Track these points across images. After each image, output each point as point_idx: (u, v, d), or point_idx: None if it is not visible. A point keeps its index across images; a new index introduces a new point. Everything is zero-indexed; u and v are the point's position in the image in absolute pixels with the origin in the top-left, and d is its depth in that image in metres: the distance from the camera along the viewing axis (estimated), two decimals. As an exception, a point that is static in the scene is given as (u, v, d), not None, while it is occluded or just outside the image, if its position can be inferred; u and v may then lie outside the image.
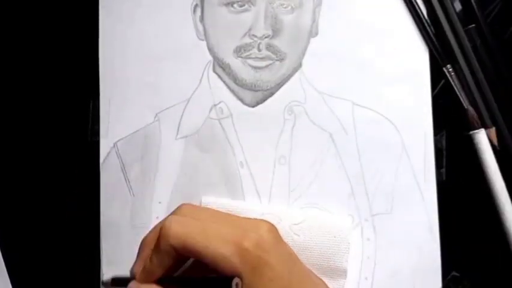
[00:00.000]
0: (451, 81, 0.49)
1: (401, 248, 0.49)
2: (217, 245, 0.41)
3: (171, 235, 0.42)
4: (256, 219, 0.46)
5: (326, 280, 0.47)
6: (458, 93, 0.48)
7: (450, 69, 0.49)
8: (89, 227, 0.50)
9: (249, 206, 0.49)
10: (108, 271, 0.49)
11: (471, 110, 0.48)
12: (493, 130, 0.48)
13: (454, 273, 0.49)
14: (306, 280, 0.44)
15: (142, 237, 0.49)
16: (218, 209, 0.47)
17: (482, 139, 0.48)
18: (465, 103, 0.48)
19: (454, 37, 0.49)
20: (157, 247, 0.43)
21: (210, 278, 0.42)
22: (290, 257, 0.44)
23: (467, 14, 0.49)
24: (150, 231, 0.45)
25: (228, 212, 0.47)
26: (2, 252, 0.50)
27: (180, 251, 0.42)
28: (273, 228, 0.44)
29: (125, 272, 0.49)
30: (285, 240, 0.46)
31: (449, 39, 0.49)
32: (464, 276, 0.49)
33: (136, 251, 0.49)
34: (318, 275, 0.47)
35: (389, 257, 0.49)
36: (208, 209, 0.48)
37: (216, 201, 0.49)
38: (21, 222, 0.50)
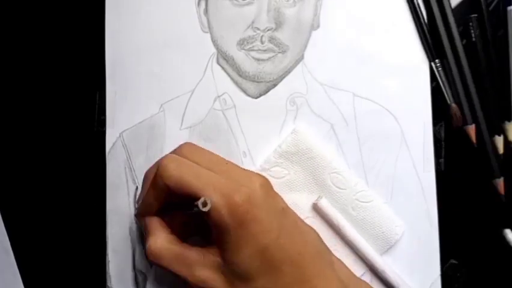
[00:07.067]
0: (437, 76, 0.49)
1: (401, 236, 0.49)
2: (208, 192, 0.41)
3: (165, 175, 0.43)
4: (252, 171, 0.46)
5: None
6: (443, 88, 0.49)
7: (438, 64, 0.49)
8: (95, 216, 0.50)
9: (327, 157, 0.49)
10: (113, 258, 0.50)
11: (454, 107, 0.49)
12: (472, 127, 0.49)
13: (452, 261, 0.49)
14: (296, 233, 0.45)
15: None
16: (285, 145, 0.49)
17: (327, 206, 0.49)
18: (449, 99, 0.49)
19: (446, 32, 0.49)
20: (154, 183, 0.44)
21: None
22: (281, 212, 0.45)
23: (469, 6, 0.50)
24: (153, 165, 0.46)
25: (229, 161, 0.47)
26: (9, 240, 0.50)
27: (174, 190, 0.43)
28: (265, 183, 0.44)
29: (129, 260, 0.50)
30: (339, 207, 0.48)
31: (440, 34, 0.49)
32: (462, 264, 0.49)
33: (141, 241, 0.50)
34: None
35: (388, 245, 0.50)
36: (209, 152, 0.48)
37: (304, 133, 0.49)
38: (28, 211, 0.51)
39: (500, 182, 0.49)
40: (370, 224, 0.49)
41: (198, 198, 0.41)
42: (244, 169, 0.47)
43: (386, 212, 0.49)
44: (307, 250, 0.44)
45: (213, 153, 0.47)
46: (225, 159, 0.47)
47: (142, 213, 0.46)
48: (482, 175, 0.49)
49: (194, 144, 0.48)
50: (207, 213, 0.41)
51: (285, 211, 0.45)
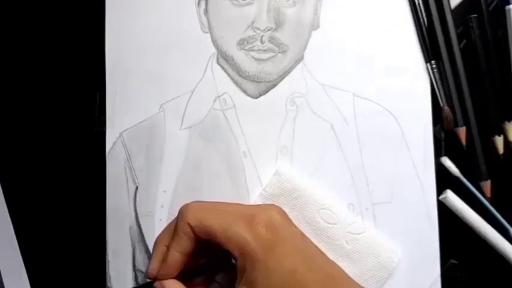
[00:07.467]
0: (432, 78, 0.49)
1: (401, 236, 0.49)
2: (231, 222, 0.43)
3: (189, 216, 0.44)
4: (265, 204, 0.48)
5: None
6: (436, 90, 0.49)
7: (433, 66, 0.49)
8: (95, 216, 0.50)
9: (313, 194, 0.49)
10: (113, 258, 0.50)
11: (446, 109, 0.49)
12: (462, 129, 0.49)
13: (452, 261, 0.49)
14: (320, 256, 0.45)
15: (148, 226, 0.50)
16: (284, 181, 0.49)
17: (453, 199, 0.49)
18: (442, 101, 0.49)
19: (443, 34, 0.49)
20: (176, 232, 0.44)
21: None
22: (302, 235, 0.45)
23: (469, 6, 0.50)
24: (163, 231, 0.47)
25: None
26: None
27: (198, 231, 0.44)
28: (282, 211, 0.45)
29: (129, 260, 0.50)
30: (332, 243, 0.48)
31: (437, 35, 0.49)
32: (462, 264, 0.49)
33: (141, 241, 0.50)
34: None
35: (388, 245, 0.50)
36: (217, 202, 0.49)
37: (287, 173, 0.49)
38: (28, 212, 0.51)
39: (487, 185, 0.49)
40: (366, 255, 0.48)
41: (220, 236, 0.43)
42: (258, 204, 0.48)
43: (380, 240, 0.49)
44: (336, 272, 0.45)
45: (221, 202, 0.48)
46: (236, 203, 0.48)
47: (164, 274, 0.45)
48: (471, 177, 0.49)
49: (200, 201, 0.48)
50: (234, 243, 0.42)
51: (305, 237, 0.46)
